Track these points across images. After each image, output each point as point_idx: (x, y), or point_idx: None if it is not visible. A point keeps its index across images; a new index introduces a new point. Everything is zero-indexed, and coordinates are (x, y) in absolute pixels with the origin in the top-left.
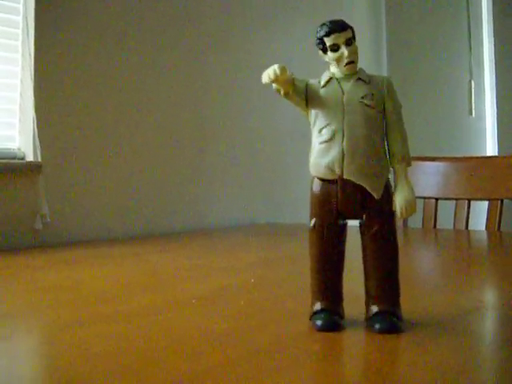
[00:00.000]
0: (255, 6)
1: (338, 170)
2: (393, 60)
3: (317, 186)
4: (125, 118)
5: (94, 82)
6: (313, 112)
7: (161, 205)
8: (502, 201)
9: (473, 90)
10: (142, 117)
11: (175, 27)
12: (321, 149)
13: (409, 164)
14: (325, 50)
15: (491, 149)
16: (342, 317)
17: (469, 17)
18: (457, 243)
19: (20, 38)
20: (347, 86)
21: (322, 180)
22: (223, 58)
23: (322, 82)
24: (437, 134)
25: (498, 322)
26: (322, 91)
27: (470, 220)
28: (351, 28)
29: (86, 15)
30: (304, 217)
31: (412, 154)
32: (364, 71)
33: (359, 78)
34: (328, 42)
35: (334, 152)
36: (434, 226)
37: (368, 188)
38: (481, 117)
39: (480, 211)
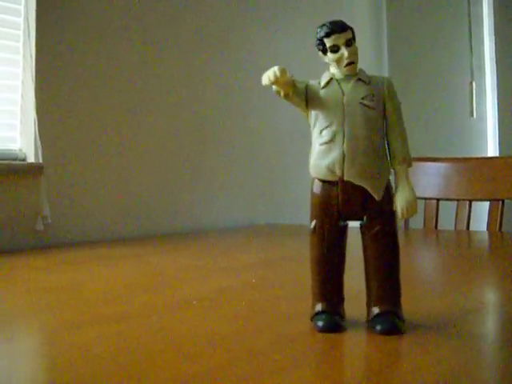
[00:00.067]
0: (255, 7)
1: (338, 172)
2: (394, 61)
3: (317, 187)
4: (125, 119)
5: (94, 83)
6: (313, 113)
7: (161, 205)
8: (503, 201)
9: (474, 92)
10: (142, 117)
11: (175, 27)
12: (321, 150)
13: (409, 165)
14: (325, 51)
15: (492, 150)
16: (343, 317)
17: (470, 18)
18: (458, 244)
19: (21, 39)
20: (347, 86)
21: (323, 181)
22: (223, 58)
23: (322, 83)
24: (438, 135)
25: (498, 323)
26: (322, 92)
27: (471, 221)
28: (351, 29)
29: (87, 17)
30: (304, 217)
31: (413, 155)
32: (364, 72)
33: (359, 79)
34: (328, 42)
35: (335, 153)
36: (436, 226)
37: (369, 189)
38: (482, 118)
39: (481, 212)
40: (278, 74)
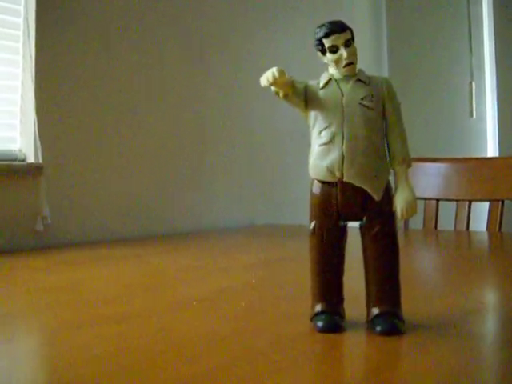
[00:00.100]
0: (255, 7)
1: (338, 173)
2: (393, 61)
3: (317, 188)
4: (125, 120)
5: (94, 84)
6: (312, 114)
7: (161, 206)
8: (502, 202)
9: (473, 92)
10: (142, 118)
11: (175, 27)
12: (320, 151)
13: (409, 165)
14: (324, 52)
15: (492, 150)
16: (342, 318)
17: (469, 18)
18: (458, 244)
19: (21, 39)
20: (346, 87)
21: (322, 182)
22: (223, 58)
23: (321, 84)
24: (438, 136)
25: (498, 323)
26: (321, 93)
27: (470, 221)
28: (350, 29)
29: (87, 17)
30: (304, 218)
31: (413, 155)
32: (363, 72)
33: (358, 79)
34: (327, 43)
35: (334, 154)
36: (435, 227)
37: (368, 190)
38: (481, 118)
39: (481, 212)
40: (276, 75)
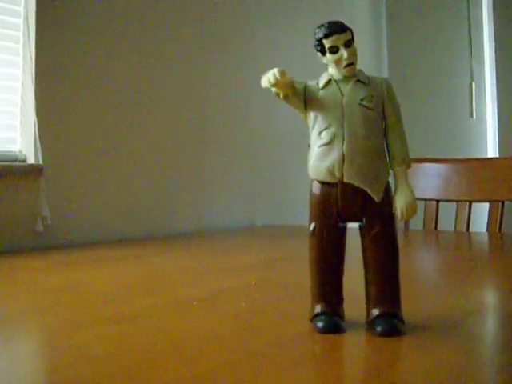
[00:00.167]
0: (255, 7)
1: (338, 174)
2: (393, 62)
3: (316, 188)
4: (125, 120)
5: (94, 84)
6: (312, 114)
7: (161, 206)
8: (503, 202)
9: (473, 92)
10: (142, 118)
11: (175, 27)
12: (320, 152)
13: (409, 166)
14: (323, 52)
15: (492, 151)
16: (342, 318)
17: (469, 18)
18: (458, 245)
19: (21, 40)
20: (346, 87)
21: (322, 183)
22: (223, 58)
23: (321, 84)
24: (438, 136)
25: (499, 324)
26: (320, 93)
27: (471, 222)
28: (350, 30)
29: (87, 17)
30: (304, 218)
31: (413, 156)
32: (363, 73)
33: (358, 80)
34: (327, 43)
35: (334, 155)
36: (435, 227)
37: (368, 191)
38: (481, 119)
39: (481, 213)
40: (277, 76)
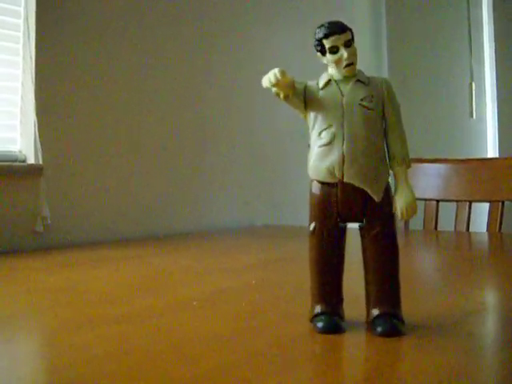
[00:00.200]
0: (255, 7)
1: (338, 174)
2: (393, 62)
3: (316, 189)
4: (125, 120)
5: (94, 85)
6: (311, 115)
7: (161, 206)
8: (503, 202)
9: (473, 92)
10: (142, 118)
11: (176, 27)
12: (320, 152)
13: (409, 166)
14: (323, 52)
15: (492, 151)
16: (342, 319)
17: (469, 18)
18: (458, 245)
19: (21, 40)
20: (346, 88)
21: (322, 183)
22: (223, 58)
23: (321, 84)
24: (438, 136)
25: (499, 324)
26: (320, 93)
27: (470, 222)
28: (350, 30)
29: (87, 18)
30: (304, 218)
31: (413, 156)
32: (363, 73)
33: (358, 80)
34: (327, 44)
35: (334, 155)
36: (435, 227)
37: (369, 191)
38: (481, 119)
39: (481, 213)
40: (278, 76)
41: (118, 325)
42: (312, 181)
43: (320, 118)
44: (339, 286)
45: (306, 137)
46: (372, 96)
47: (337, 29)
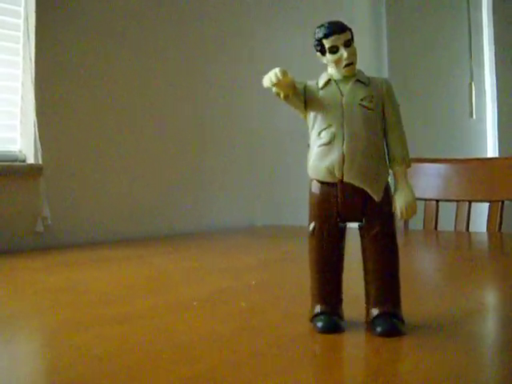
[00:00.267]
0: (255, 7)
1: (338, 174)
2: (393, 62)
3: (316, 188)
4: (125, 120)
5: (94, 85)
6: (311, 114)
7: (162, 206)
8: (502, 202)
9: (473, 93)
10: (143, 119)
11: (176, 27)
12: (320, 152)
13: (408, 166)
14: (323, 52)
15: (492, 151)
16: (342, 318)
17: (469, 19)
18: (458, 245)
19: (21, 40)
20: (346, 88)
21: (322, 183)
22: (223, 58)
23: (321, 84)
24: (437, 136)
25: (499, 324)
26: (320, 93)
27: (470, 222)
28: (350, 29)
29: (87, 18)
30: (304, 218)
31: (413, 156)
32: (363, 73)
33: (358, 80)
34: (327, 43)
35: (334, 155)
36: (435, 227)
37: (368, 191)
38: (481, 119)
39: (481, 213)
40: (279, 75)
41: (118, 325)
42: (312, 180)
43: (320, 117)
44: (339, 285)
45: (306, 137)
46: (372, 96)
47: (336, 29)
